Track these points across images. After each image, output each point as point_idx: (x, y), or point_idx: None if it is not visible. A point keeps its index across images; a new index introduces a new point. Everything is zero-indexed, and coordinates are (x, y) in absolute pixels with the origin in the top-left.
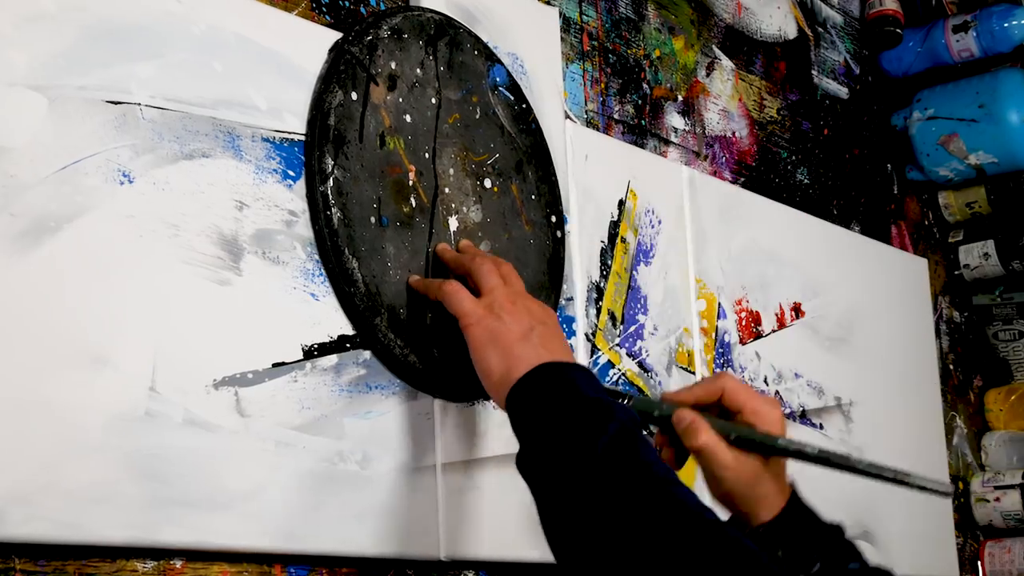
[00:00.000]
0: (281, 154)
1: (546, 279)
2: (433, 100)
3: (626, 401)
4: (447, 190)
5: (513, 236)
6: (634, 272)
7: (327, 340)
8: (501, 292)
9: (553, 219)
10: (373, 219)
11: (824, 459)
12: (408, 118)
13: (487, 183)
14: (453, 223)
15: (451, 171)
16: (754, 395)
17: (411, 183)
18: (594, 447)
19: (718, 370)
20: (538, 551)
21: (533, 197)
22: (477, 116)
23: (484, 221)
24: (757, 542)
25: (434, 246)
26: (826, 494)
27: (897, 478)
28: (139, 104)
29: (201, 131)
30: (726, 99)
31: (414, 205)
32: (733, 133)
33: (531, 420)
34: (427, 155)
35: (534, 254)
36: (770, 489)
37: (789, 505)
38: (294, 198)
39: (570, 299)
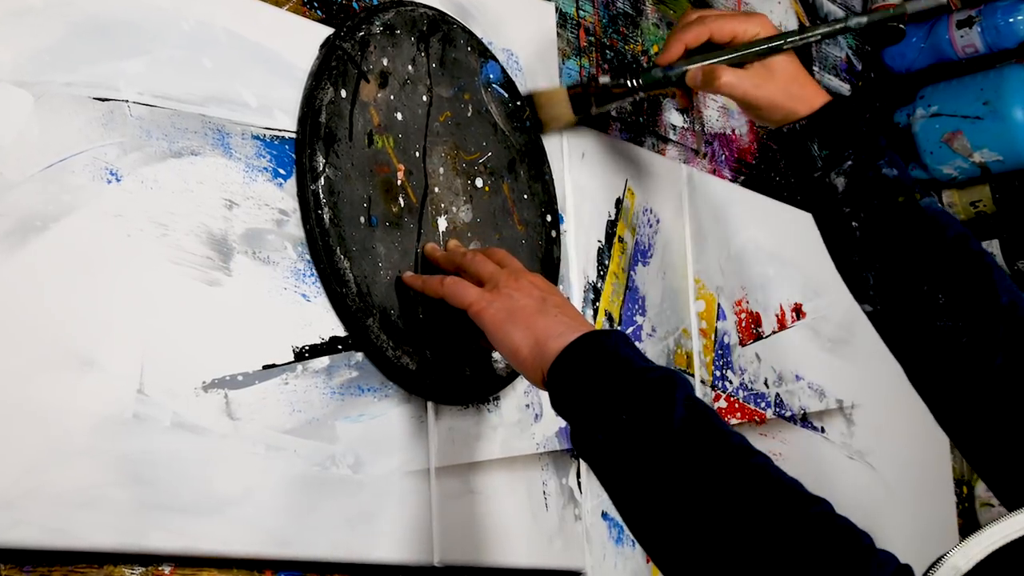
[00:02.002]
0: (271, 152)
1: None
2: (424, 98)
3: (634, 81)
4: (437, 189)
5: (504, 236)
6: (632, 272)
7: (318, 342)
8: (501, 274)
9: (548, 218)
10: (363, 219)
11: (820, 34)
12: (399, 116)
13: (478, 182)
14: (442, 223)
15: (441, 170)
16: (735, 17)
17: (399, 182)
18: (670, 422)
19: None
20: (533, 556)
21: (525, 196)
22: (469, 114)
23: (474, 221)
24: (796, 137)
25: (422, 246)
26: (830, 500)
27: (893, 16)
28: (127, 101)
29: (190, 129)
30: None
31: (403, 205)
32: (733, 131)
33: (586, 398)
34: (417, 154)
35: (525, 254)
36: (807, 91)
37: (830, 105)
38: (285, 197)
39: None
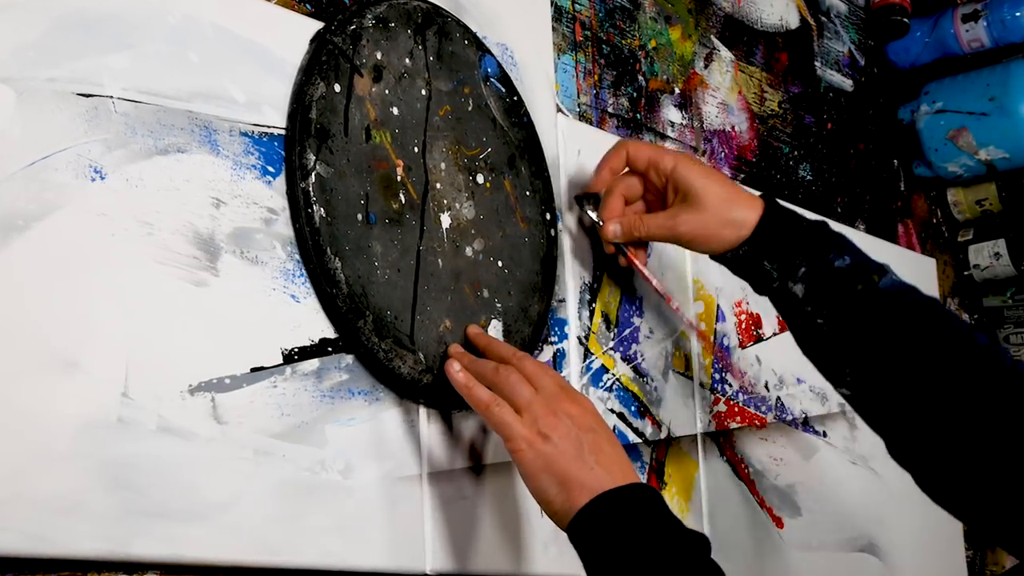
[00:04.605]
0: (260, 149)
1: (539, 279)
2: (423, 91)
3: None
4: (438, 185)
5: (507, 234)
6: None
7: (308, 344)
8: (538, 405)
9: (547, 216)
10: (360, 216)
11: None
12: (395, 110)
13: (479, 178)
14: (445, 220)
15: (443, 165)
16: (652, 147)
17: (399, 178)
18: None
19: (716, 369)
20: (527, 563)
21: (527, 193)
22: (469, 108)
23: (477, 218)
24: (741, 263)
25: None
26: (832, 507)
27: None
28: (111, 97)
29: (176, 125)
30: (725, 92)
31: (403, 201)
32: (732, 127)
33: (604, 555)
34: (416, 149)
35: (528, 253)
36: (740, 210)
37: (764, 217)
38: (274, 195)
39: (562, 301)
